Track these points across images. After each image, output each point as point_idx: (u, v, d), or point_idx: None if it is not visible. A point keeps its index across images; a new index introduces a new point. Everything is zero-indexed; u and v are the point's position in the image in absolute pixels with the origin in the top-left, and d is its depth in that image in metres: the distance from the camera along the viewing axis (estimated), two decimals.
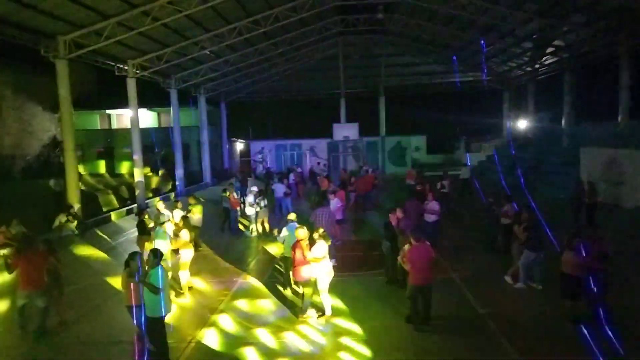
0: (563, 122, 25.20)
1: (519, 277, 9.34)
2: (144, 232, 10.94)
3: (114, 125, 37.33)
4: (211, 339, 7.54)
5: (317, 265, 7.97)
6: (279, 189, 17.52)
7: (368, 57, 32.51)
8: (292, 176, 22.29)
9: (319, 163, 34.21)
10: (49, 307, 7.83)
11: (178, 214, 11.74)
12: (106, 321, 8.47)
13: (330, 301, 8.23)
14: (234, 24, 20.40)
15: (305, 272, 8.02)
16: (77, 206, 16.39)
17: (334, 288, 9.30)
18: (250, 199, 14.99)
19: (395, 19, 25.53)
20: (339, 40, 29.66)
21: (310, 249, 8.05)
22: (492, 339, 7.23)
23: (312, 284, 8.15)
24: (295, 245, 8.19)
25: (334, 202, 12.88)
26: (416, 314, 7.62)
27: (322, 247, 8.04)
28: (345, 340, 7.35)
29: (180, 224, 9.98)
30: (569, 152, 21.82)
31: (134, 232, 16.16)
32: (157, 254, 6.75)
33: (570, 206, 14.49)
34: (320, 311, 8.23)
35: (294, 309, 8.57)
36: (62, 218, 15.52)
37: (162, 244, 9.01)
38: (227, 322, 8.20)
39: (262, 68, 30.72)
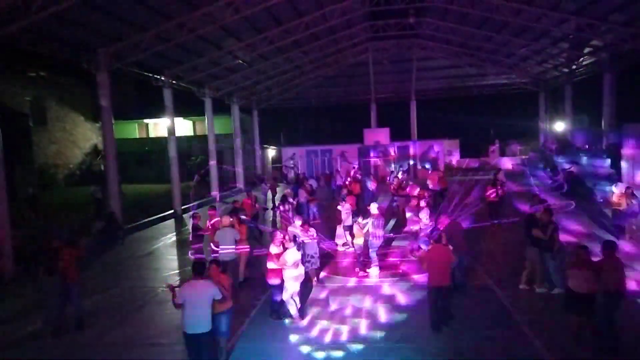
0: (602, 124, 24.36)
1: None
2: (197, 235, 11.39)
3: (151, 134, 38.52)
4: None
5: (286, 271, 8.16)
6: (301, 194, 17.64)
7: (399, 61, 32.38)
8: (313, 182, 22.10)
9: (354, 167, 34.14)
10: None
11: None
12: (145, 324, 8.77)
13: (296, 305, 8.36)
14: (265, 33, 20.77)
15: (275, 277, 8.28)
16: (116, 212, 16.96)
17: (362, 292, 9.35)
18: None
19: (426, 23, 25.37)
20: (369, 46, 29.70)
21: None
22: (528, 347, 7.10)
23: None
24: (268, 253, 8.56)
25: (345, 209, 13.09)
26: (435, 316, 7.69)
27: (292, 253, 8.23)
28: (377, 346, 7.38)
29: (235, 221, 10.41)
30: (609, 154, 21.13)
31: (171, 238, 16.76)
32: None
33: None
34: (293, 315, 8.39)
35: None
36: (101, 224, 16.18)
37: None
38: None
39: (293, 75, 31.08)
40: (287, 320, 8.38)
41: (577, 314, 6.94)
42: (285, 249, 8.36)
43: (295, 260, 8.26)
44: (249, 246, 10.65)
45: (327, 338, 7.72)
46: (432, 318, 7.74)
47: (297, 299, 8.44)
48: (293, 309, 8.35)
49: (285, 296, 8.27)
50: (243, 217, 11.60)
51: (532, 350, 6.95)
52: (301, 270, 8.48)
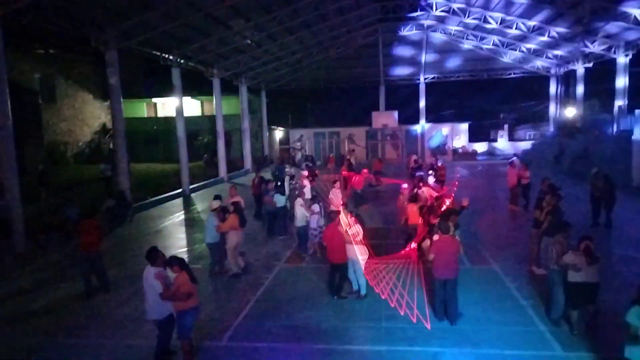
0: (614, 109, 24.08)
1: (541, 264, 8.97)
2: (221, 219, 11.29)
3: (160, 114, 38.58)
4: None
5: (352, 248, 8.28)
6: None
7: (409, 43, 32.01)
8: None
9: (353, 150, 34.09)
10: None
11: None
12: None
13: (364, 281, 8.49)
14: (274, 14, 20.59)
15: (342, 253, 8.37)
16: (125, 191, 17.13)
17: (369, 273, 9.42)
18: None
19: (437, 4, 25.00)
20: (379, 27, 29.37)
21: None
22: (532, 329, 7.19)
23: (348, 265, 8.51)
24: (331, 228, 8.53)
25: (333, 192, 13.30)
26: (439, 308, 7.51)
27: (358, 229, 8.38)
28: (382, 326, 7.52)
29: (231, 209, 10.29)
30: (619, 140, 20.95)
31: (179, 216, 16.95)
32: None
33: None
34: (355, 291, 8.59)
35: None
36: (111, 202, 16.38)
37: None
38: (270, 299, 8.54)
39: (301, 56, 30.87)
40: (349, 296, 8.52)
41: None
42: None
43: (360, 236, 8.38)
44: (237, 232, 9.97)
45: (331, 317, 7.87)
46: (435, 310, 7.59)
47: (362, 275, 8.53)
48: (362, 285, 8.48)
49: (351, 273, 8.42)
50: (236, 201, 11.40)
51: (538, 335, 7.03)
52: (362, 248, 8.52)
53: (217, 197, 10.83)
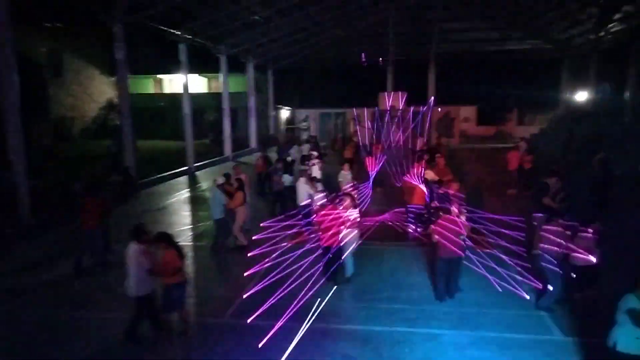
0: (627, 94, 23.65)
1: None
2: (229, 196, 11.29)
3: (166, 90, 38.41)
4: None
5: (346, 232, 8.21)
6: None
7: (419, 22, 31.40)
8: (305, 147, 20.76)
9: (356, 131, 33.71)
10: None
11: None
12: None
13: (351, 263, 8.46)
14: None
15: (336, 235, 8.25)
16: (130, 167, 17.16)
17: (371, 256, 9.46)
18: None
19: None
20: (390, 5, 28.79)
21: None
22: (532, 313, 7.19)
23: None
24: (328, 208, 8.38)
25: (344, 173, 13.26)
26: (441, 287, 7.62)
27: (354, 214, 8.31)
28: (382, 307, 7.53)
29: (235, 186, 10.41)
30: (631, 126, 20.65)
31: (184, 194, 17.01)
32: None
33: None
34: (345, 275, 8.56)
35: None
36: (117, 177, 16.45)
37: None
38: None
39: (310, 34, 30.42)
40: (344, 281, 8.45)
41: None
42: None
43: (356, 219, 8.31)
44: (244, 208, 10.34)
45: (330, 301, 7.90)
46: (437, 289, 7.71)
47: (350, 260, 8.48)
48: (348, 267, 8.46)
49: (346, 256, 8.36)
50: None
51: (537, 319, 7.03)
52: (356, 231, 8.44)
53: (225, 174, 10.98)
